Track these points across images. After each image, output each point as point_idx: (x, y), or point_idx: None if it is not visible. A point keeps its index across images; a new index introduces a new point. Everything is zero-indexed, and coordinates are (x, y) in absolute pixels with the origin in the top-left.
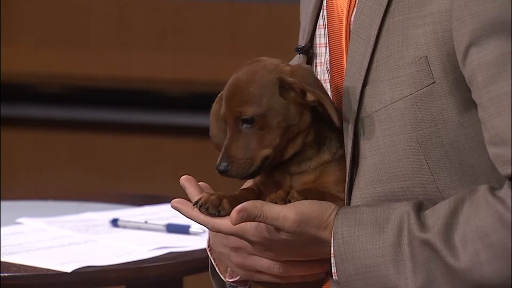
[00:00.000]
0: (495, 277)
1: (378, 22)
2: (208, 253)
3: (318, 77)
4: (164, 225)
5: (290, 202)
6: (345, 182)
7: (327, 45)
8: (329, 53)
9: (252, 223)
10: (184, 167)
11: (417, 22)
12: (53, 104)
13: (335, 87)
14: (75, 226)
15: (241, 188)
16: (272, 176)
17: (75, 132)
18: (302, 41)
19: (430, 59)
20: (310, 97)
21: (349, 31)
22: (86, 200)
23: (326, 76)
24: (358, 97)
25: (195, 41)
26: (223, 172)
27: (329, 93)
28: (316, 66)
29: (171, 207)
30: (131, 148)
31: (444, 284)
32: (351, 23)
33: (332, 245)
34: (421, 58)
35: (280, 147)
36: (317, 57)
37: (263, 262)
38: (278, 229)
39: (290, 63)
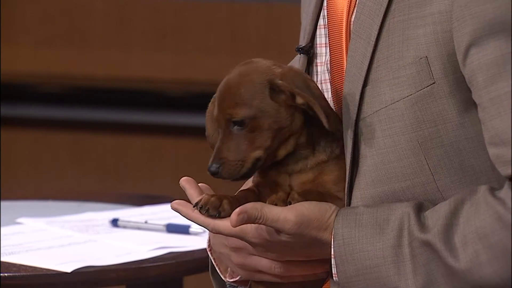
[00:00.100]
0: (495, 277)
1: (378, 23)
2: (209, 253)
3: (319, 77)
4: (164, 225)
5: (290, 203)
6: (344, 182)
7: (328, 45)
8: (329, 53)
9: (253, 225)
10: (184, 167)
11: (417, 22)
12: (53, 104)
13: (335, 87)
14: (75, 226)
15: (241, 189)
16: (271, 176)
17: (75, 132)
18: (302, 41)
19: (430, 60)
20: (299, 100)
21: (349, 31)
22: (86, 200)
23: (327, 76)
24: (358, 97)
25: (195, 41)
26: (214, 174)
27: (329, 93)
28: (316, 66)
29: (171, 208)
30: (131, 148)
31: (444, 285)
32: (351, 23)
33: (332, 246)
34: (421, 58)
35: (271, 148)
36: (318, 57)
37: (263, 262)
38: (278, 231)
39: (290, 63)
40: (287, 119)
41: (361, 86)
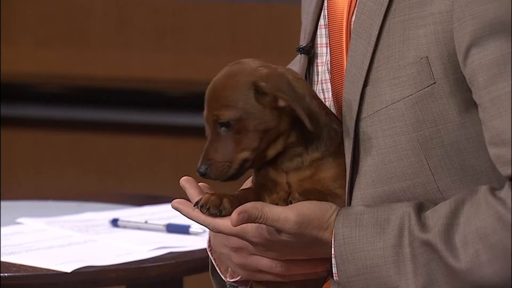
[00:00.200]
0: (496, 277)
1: (379, 23)
2: (209, 253)
3: (319, 77)
4: (164, 225)
5: (291, 203)
6: (342, 178)
7: (328, 45)
8: (330, 53)
9: (253, 224)
10: (184, 167)
11: (418, 22)
12: (53, 104)
13: (335, 87)
14: (75, 226)
15: (241, 188)
16: (268, 175)
17: (75, 132)
18: (303, 41)
19: (431, 60)
20: (281, 102)
21: (350, 31)
22: (86, 200)
23: (327, 76)
24: (358, 97)
25: (195, 41)
26: (203, 175)
27: (329, 93)
28: (317, 66)
29: (172, 207)
30: (131, 148)
31: (444, 285)
32: (352, 23)
33: (333, 245)
34: (422, 58)
35: (259, 149)
36: (318, 57)
37: (264, 262)
38: (279, 231)
39: (291, 63)
40: (273, 120)
41: (361, 86)
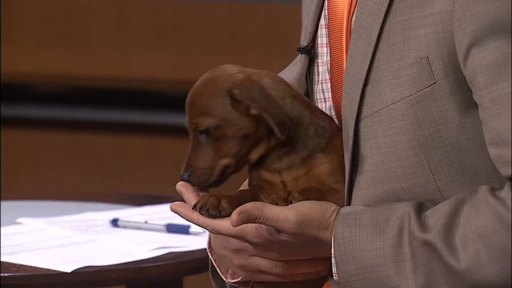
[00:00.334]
0: (496, 277)
1: (379, 23)
2: (209, 254)
3: (320, 77)
4: (164, 225)
5: (291, 202)
6: (337, 173)
7: (328, 45)
8: (330, 53)
9: (253, 224)
10: None
11: (418, 22)
12: (53, 104)
13: (335, 87)
14: (75, 226)
15: (239, 190)
16: (261, 176)
17: (75, 132)
18: (304, 41)
19: (431, 60)
20: (253, 111)
21: (350, 31)
22: (86, 200)
23: (328, 76)
24: (358, 97)
25: (195, 41)
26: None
27: (330, 93)
28: (317, 66)
29: (171, 210)
30: (131, 148)
31: (444, 285)
32: (352, 23)
33: (332, 245)
34: (422, 58)
35: (239, 155)
36: (319, 57)
37: (264, 262)
38: (278, 231)
39: (291, 63)
40: (251, 126)
41: (361, 86)
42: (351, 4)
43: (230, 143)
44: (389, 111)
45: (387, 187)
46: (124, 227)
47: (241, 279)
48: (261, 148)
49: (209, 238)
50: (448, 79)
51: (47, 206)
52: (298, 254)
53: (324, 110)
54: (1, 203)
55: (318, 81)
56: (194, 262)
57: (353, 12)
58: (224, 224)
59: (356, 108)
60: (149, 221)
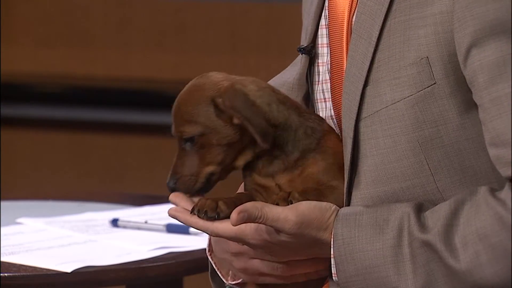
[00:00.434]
0: (496, 278)
1: (380, 23)
2: (208, 256)
3: (320, 77)
4: (164, 225)
5: (292, 202)
6: (333, 170)
7: (329, 45)
8: (330, 53)
9: (252, 225)
10: None
11: (418, 23)
12: (53, 104)
13: (335, 87)
14: (75, 226)
15: (236, 192)
16: (255, 181)
17: (75, 132)
18: (304, 41)
19: (431, 60)
20: (235, 120)
21: (351, 31)
22: (86, 200)
23: (328, 76)
24: (358, 97)
25: (195, 41)
26: (172, 190)
27: (329, 93)
28: (318, 66)
29: (169, 215)
30: (131, 148)
31: (444, 285)
32: (353, 23)
33: (332, 246)
34: (422, 59)
35: (225, 162)
36: (319, 57)
37: (265, 264)
38: (278, 231)
39: (292, 63)
40: (236, 134)
41: (361, 86)
42: (351, 5)
43: (215, 151)
44: (389, 112)
45: (387, 187)
46: (124, 227)
47: (242, 280)
48: (247, 155)
49: (209, 241)
50: (448, 80)
51: (47, 206)
52: (297, 255)
53: (324, 110)
54: (1, 203)
55: (318, 81)
56: (194, 262)
57: (354, 13)
58: (223, 226)
59: (356, 108)
60: (149, 221)
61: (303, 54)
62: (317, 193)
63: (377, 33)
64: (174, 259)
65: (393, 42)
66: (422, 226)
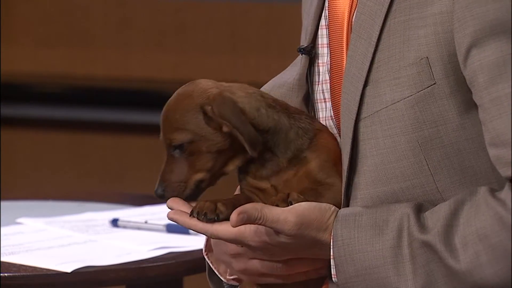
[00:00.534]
0: (496, 278)
1: (380, 23)
2: (205, 256)
3: (320, 77)
4: (164, 225)
5: (291, 203)
6: (327, 167)
7: (329, 45)
8: (330, 54)
9: (251, 227)
10: None
11: (418, 23)
12: (53, 104)
13: (334, 87)
14: (75, 226)
15: (234, 194)
16: (250, 184)
17: (75, 132)
18: (304, 42)
19: (431, 60)
20: (224, 128)
21: (351, 31)
22: (86, 200)
23: (328, 77)
24: (358, 97)
25: (195, 41)
26: (160, 197)
27: (329, 93)
28: (318, 66)
29: (168, 218)
30: (131, 148)
31: (444, 286)
32: (353, 23)
33: (331, 247)
34: (422, 59)
35: (214, 169)
36: (320, 58)
37: (265, 264)
38: (278, 232)
39: (292, 63)
40: (225, 141)
41: (361, 86)
42: (351, 5)
43: (204, 158)
44: (388, 112)
45: (387, 187)
46: (124, 227)
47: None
48: (236, 161)
49: (206, 241)
50: (448, 80)
51: (47, 206)
52: (297, 256)
53: (324, 110)
54: (1, 203)
55: (318, 81)
56: (194, 262)
57: (354, 13)
58: (222, 228)
59: (356, 109)
60: (149, 221)
61: (303, 55)
62: (314, 193)
63: (377, 33)
64: (174, 259)
65: (393, 42)
66: (422, 227)
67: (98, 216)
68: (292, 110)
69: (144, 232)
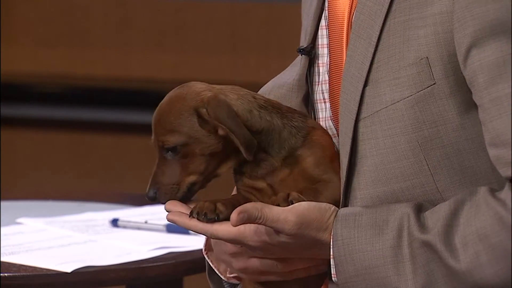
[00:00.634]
0: (496, 278)
1: (380, 23)
2: (205, 256)
3: (320, 77)
4: (164, 225)
5: (292, 203)
6: (323, 164)
7: (328, 46)
8: (329, 54)
9: (251, 227)
10: None
11: (418, 23)
12: (53, 104)
13: (333, 87)
14: (75, 226)
15: (232, 194)
16: (246, 184)
17: (75, 132)
18: (304, 42)
19: (431, 60)
20: (220, 131)
21: (351, 31)
22: (86, 200)
23: (327, 77)
24: (358, 97)
25: (195, 41)
26: (152, 199)
27: (328, 93)
28: (318, 66)
29: (167, 220)
30: (131, 148)
31: (444, 285)
32: (352, 23)
33: (331, 246)
34: (422, 59)
35: (207, 172)
36: (319, 58)
37: (264, 262)
38: (278, 232)
39: (292, 63)
40: (219, 143)
41: (361, 86)
42: (351, 5)
43: (197, 160)
44: (388, 112)
45: (387, 187)
46: (124, 227)
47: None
48: (230, 163)
49: (205, 241)
50: (447, 80)
51: (47, 206)
52: (297, 256)
53: (324, 110)
54: (1, 203)
55: (318, 82)
56: (194, 262)
57: (354, 13)
58: (222, 228)
59: (356, 109)
60: (149, 221)
61: (302, 55)
62: (312, 191)
63: (377, 33)
64: (174, 259)
65: (393, 42)
66: (422, 227)
67: (98, 216)
68: (285, 109)
69: (144, 232)
